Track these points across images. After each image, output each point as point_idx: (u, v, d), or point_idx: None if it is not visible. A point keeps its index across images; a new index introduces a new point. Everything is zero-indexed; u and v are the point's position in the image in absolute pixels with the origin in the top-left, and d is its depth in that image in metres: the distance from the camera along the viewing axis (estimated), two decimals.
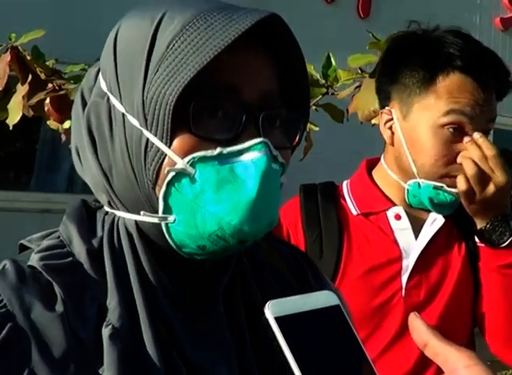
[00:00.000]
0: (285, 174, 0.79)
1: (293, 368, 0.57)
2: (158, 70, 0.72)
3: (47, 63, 2.28)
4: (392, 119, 1.50)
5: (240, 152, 0.73)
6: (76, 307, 0.72)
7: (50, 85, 2.22)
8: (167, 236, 0.75)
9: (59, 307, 0.72)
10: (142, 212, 0.75)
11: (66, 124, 2.30)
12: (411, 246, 1.52)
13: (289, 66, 0.79)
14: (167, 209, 0.74)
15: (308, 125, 2.17)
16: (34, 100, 2.17)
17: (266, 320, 0.59)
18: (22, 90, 2.19)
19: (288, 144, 0.80)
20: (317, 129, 2.23)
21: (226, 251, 0.76)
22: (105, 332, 0.71)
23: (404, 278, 1.50)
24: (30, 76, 2.19)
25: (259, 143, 0.73)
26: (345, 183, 1.64)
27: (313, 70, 2.09)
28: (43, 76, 2.23)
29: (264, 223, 0.74)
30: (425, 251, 1.51)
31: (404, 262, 1.50)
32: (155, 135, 0.73)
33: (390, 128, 1.51)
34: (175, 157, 0.72)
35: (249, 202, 0.72)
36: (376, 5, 7.06)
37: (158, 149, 0.73)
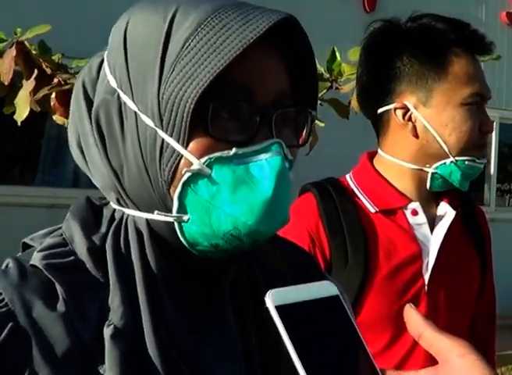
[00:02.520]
0: (292, 170, 0.79)
1: (293, 356, 0.57)
2: (173, 70, 0.72)
3: (53, 58, 2.28)
4: (408, 111, 1.50)
5: (255, 153, 0.73)
6: (78, 306, 0.72)
7: (55, 80, 2.22)
8: (180, 234, 0.75)
9: (61, 307, 0.71)
10: (156, 212, 0.75)
11: None
12: (428, 240, 1.53)
13: (301, 64, 0.79)
14: (181, 209, 0.74)
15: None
16: (40, 95, 2.16)
17: (267, 310, 0.59)
18: (28, 85, 2.18)
19: (296, 143, 0.80)
20: (322, 125, 2.23)
21: (238, 249, 0.76)
22: (107, 332, 0.70)
23: (427, 275, 1.51)
24: (35, 71, 2.18)
25: (274, 143, 0.73)
26: (348, 177, 1.61)
27: (317, 64, 2.08)
28: (49, 70, 2.23)
29: (279, 222, 0.75)
30: (443, 244, 1.52)
31: (425, 258, 1.51)
32: (171, 136, 0.72)
33: (410, 119, 1.51)
34: (191, 158, 0.72)
35: (265, 203, 0.72)
36: None
37: (174, 150, 0.72)
